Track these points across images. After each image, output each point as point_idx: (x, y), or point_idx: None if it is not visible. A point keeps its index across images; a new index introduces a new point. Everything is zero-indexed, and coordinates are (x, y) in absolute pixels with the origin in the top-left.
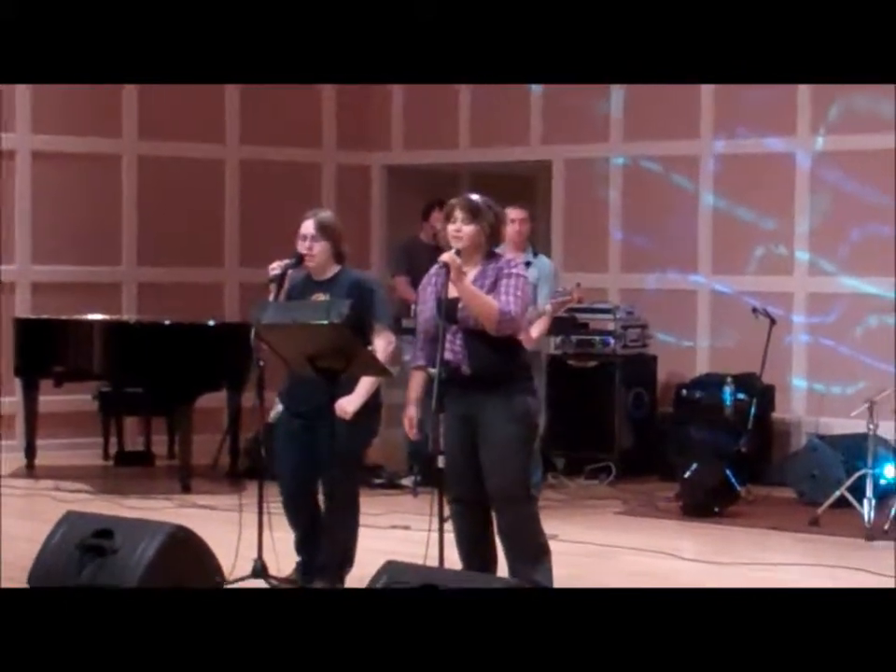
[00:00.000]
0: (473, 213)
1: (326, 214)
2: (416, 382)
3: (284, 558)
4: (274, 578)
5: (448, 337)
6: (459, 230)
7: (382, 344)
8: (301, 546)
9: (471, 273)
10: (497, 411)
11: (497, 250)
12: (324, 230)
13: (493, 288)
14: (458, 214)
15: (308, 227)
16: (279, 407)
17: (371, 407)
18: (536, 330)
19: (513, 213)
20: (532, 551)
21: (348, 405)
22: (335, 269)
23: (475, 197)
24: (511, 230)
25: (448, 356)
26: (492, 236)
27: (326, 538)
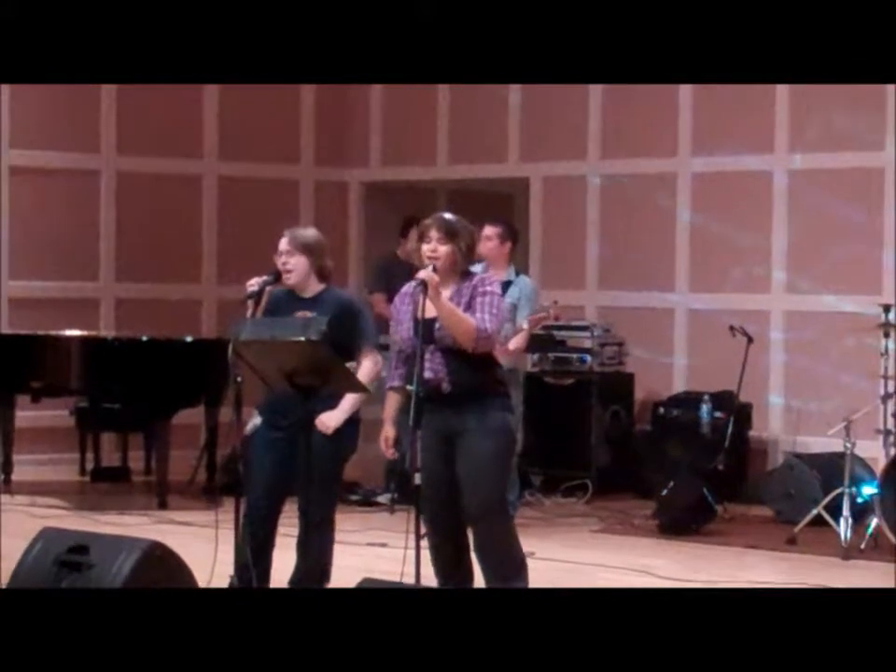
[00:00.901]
0: (450, 233)
1: (305, 230)
2: (391, 401)
3: None
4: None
5: (426, 356)
6: (435, 249)
7: (369, 365)
8: (256, 561)
9: (446, 292)
10: (475, 426)
11: (478, 268)
12: (300, 245)
13: (468, 307)
14: (434, 234)
15: (284, 242)
16: (257, 419)
17: (350, 423)
18: (513, 344)
19: (486, 230)
20: (508, 567)
21: (330, 420)
22: (319, 286)
23: (450, 217)
24: (482, 247)
25: (428, 374)
26: (467, 256)
27: (301, 555)
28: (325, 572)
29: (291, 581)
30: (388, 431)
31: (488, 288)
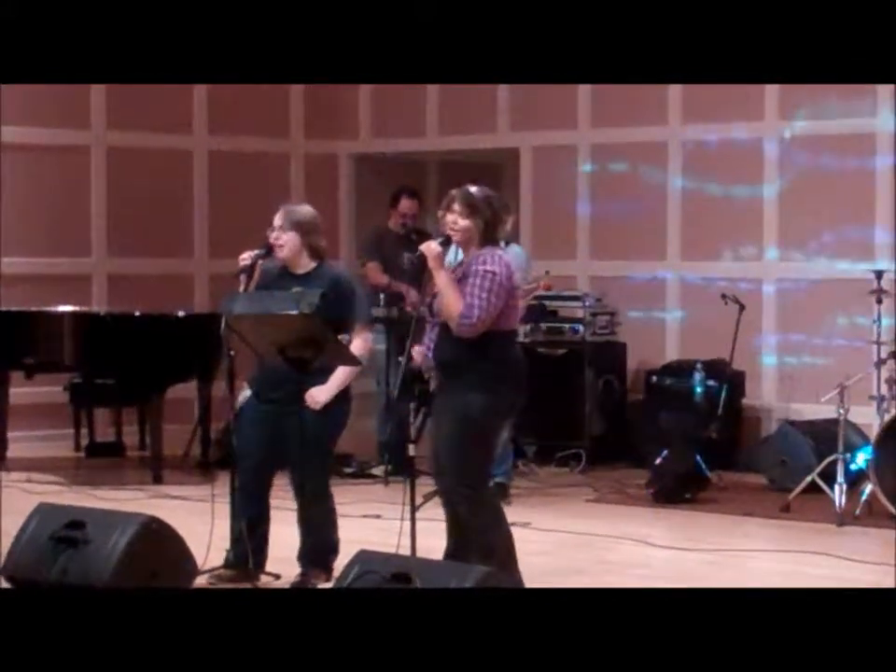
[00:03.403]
0: (470, 207)
1: (300, 208)
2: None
3: None
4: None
5: (429, 328)
6: (455, 222)
7: (360, 343)
8: (250, 532)
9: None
10: (442, 405)
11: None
12: (292, 222)
13: (461, 283)
14: (456, 206)
15: (277, 217)
16: (247, 392)
17: (342, 396)
18: None
19: None
20: (476, 547)
21: (319, 395)
22: (311, 264)
23: (475, 190)
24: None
25: (422, 347)
26: (486, 231)
27: (303, 529)
28: (332, 543)
29: (299, 556)
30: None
31: (480, 268)
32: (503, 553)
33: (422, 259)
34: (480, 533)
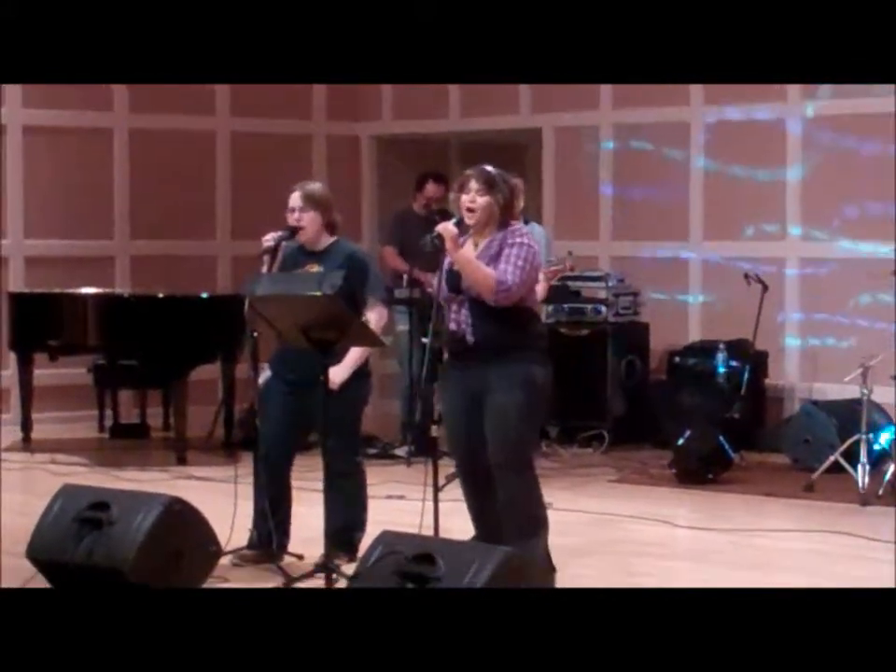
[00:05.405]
0: (488, 184)
1: (313, 185)
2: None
3: None
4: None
5: (454, 307)
6: (473, 200)
7: (374, 318)
8: (272, 512)
9: (483, 243)
10: (499, 380)
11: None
12: (310, 200)
13: (496, 259)
14: (473, 185)
15: (295, 199)
16: (267, 372)
17: (360, 374)
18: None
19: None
20: (525, 524)
21: (335, 376)
22: (329, 240)
23: (491, 169)
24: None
25: (452, 326)
26: (505, 209)
27: (329, 509)
28: (357, 523)
29: (326, 533)
30: None
31: (517, 240)
32: (544, 522)
33: (440, 238)
34: (527, 506)
